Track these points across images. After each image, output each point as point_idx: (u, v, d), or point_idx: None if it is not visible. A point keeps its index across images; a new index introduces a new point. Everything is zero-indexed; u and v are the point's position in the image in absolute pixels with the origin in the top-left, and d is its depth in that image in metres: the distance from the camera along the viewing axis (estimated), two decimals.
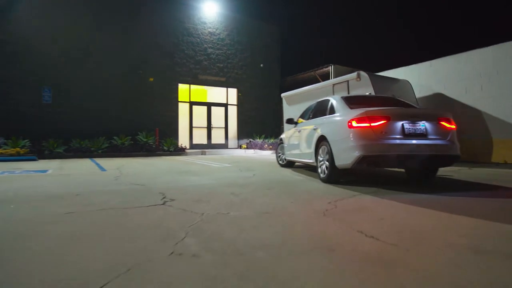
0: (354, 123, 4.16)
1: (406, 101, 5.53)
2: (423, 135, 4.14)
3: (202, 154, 13.35)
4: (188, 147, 14.56)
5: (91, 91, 12.60)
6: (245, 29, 16.09)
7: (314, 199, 3.54)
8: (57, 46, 12.07)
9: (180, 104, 14.57)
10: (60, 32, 12.14)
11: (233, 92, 15.98)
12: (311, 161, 5.35)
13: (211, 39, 15.23)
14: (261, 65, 16.42)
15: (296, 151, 6.25)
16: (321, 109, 5.56)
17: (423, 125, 4.17)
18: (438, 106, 9.70)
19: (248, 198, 3.55)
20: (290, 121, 6.81)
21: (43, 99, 11.77)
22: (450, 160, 4.41)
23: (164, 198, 3.52)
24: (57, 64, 12.07)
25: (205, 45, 15.06)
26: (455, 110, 9.24)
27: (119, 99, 13.11)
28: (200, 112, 15.18)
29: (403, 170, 5.64)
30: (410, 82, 9.56)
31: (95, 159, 10.49)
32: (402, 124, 4.09)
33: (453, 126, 4.35)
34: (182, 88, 14.82)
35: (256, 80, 16.32)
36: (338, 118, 4.71)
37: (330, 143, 4.54)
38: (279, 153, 7.66)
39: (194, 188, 4.28)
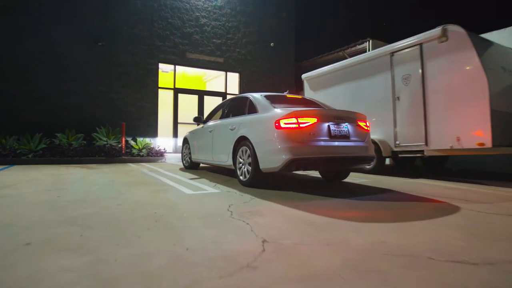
0: (282, 123, 3.79)
1: (316, 101, 5.12)
2: (346, 136, 4.06)
3: None
4: (171, 150, 10.70)
5: (29, 69, 8.79)
6: None
7: None
8: None
9: (161, 92, 10.68)
10: None
11: (234, 78, 12.04)
12: (227, 163, 4.84)
13: (205, 6, 11.35)
14: (272, 44, 12.50)
15: (207, 153, 5.70)
16: (237, 107, 5.10)
17: (346, 127, 4.09)
18: None
19: None
20: (198, 119, 6.35)
21: None
22: (367, 161, 4.34)
23: None
24: None
25: (197, 14, 11.19)
26: None
27: (72, 81, 9.26)
28: (188, 103, 11.24)
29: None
30: None
31: (17, 166, 6.68)
32: (328, 126, 3.93)
33: (369, 128, 4.40)
34: (165, 69, 10.98)
35: (265, 63, 12.38)
36: (261, 118, 4.22)
37: (254, 144, 4.08)
38: (184, 154, 6.97)
39: None
